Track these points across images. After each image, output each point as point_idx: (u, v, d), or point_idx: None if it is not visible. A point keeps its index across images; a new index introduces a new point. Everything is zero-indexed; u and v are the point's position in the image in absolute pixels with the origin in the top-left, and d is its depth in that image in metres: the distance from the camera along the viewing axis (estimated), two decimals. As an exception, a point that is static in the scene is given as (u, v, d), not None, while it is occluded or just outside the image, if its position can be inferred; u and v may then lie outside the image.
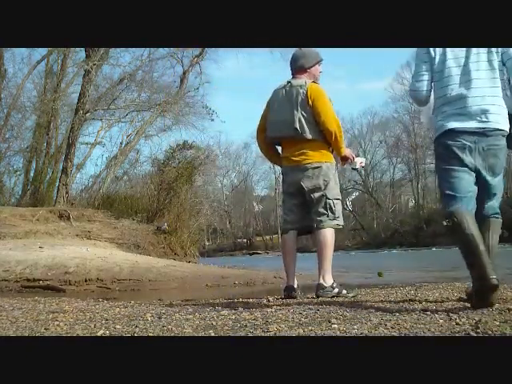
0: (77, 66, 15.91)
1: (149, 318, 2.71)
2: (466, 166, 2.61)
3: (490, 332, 1.85)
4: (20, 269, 6.55)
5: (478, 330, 1.87)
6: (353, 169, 3.85)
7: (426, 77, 2.76)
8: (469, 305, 2.59)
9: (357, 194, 53.34)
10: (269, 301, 3.34)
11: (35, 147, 16.84)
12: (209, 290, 5.91)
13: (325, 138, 3.53)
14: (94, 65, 13.84)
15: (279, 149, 3.81)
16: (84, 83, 14.16)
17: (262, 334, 2.06)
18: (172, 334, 2.19)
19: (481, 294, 2.42)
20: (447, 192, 2.66)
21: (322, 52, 3.77)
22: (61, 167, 14.92)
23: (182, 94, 16.49)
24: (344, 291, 3.50)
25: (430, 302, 2.83)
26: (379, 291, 3.87)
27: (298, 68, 3.66)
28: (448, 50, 2.68)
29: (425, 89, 2.78)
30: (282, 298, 3.49)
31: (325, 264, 3.46)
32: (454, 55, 2.68)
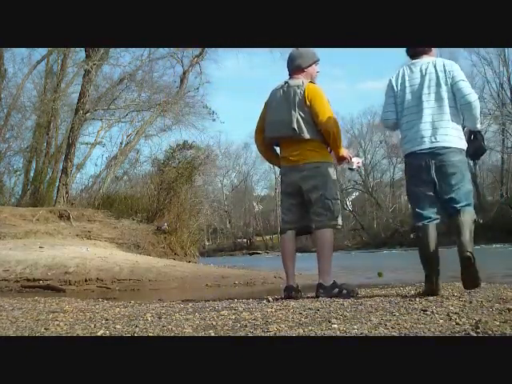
0: (77, 65, 15.93)
1: (149, 318, 2.71)
2: (424, 181, 3.16)
3: (490, 332, 1.84)
4: (20, 269, 6.55)
5: (478, 330, 1.87)
6: (349, 169, 3.84)
7: (391, 108, 3.32)
8: (470, 304, 2.61)
9: (357, 193, 53.32)
10: (269, 301, 3.34)
11: (35, 147, 16.85)
12: (209, 290, 5.91)
13: (323, 138, 3.53)
14: (94, 65, 13.85)
15: (278, 149, 3.82)
16: (84, 83, 14.17)
17: (262, 334, 2.06)
18: (172, 334, 2.19)
19: (425, 293, 3.20)
20: (414, 208, 3.30)
21: (322, 52, 3.78)
22: (61, 167, 14.93)
23: (181, 94, 16.50)
24: (344, 291, 3.50)
25: (430, 301, 2.83)
26: (379, 291, 3.87)
27: (295, 68, 3.65)
28: (407, 85, 3.23)
29: (391, 118, 3.35)
30: (282, 298, 3.49)
31: (325, 264, 3.46)
32: (411, 90, 3.22)
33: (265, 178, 57.81)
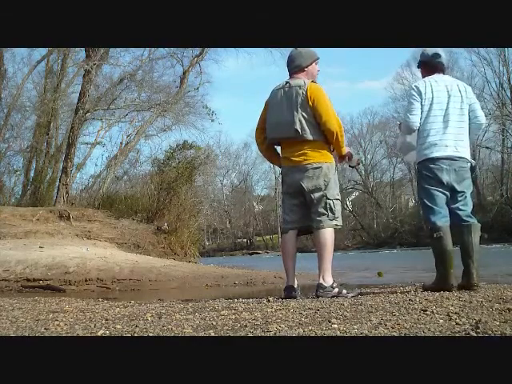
0: (77, 65, 15.93)
1: (149, 318, 2.71)
2: (443, 183, 3.49)
3: (490, 332, 1.84)
4: (20, 269, 6.56)
5: (478, 330, 1.87)
6: (350, 166, 3.89)
7: (418, 112, 3.56)
8: (470, 304, 2.61)
9: (357, 193, 53.32)
10: (269, 301, 3.34)
11: (35, 147, 16.85)
12: (209, 290, 5.90)
13: (325, 138, 3.54)
14: (94, 65, 13.84)
15: (278, 149, 3.82)
16: (84, 83, 14.16)
17: (262, 334, 2.06)
18: (172, 334, 2.19)
19: (438, 289, 3.35)
20: (432, 208, 3.51)
21: (322, 51, 3.78)
22: (61, 167, 14.92)
23: (181, 94, 16.49)
24: (344, 291, 3.50)
25: (430, 301, 2.83)
26: (379, 291, 3.87)
27: (295, 68, 3.64)
28: (434, 96, 3.53)
29: (417, 122, 3.57)
30: (282, 298, 3.49)
31: (325, 264, 3.46)
32: (438, 101, 3.54)
33: (265, 178, 57.85)
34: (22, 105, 16.98)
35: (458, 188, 3.51)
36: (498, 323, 2.00)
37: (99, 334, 2.28)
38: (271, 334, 2.06)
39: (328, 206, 3.50)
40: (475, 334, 1.83)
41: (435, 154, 3.50)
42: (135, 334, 2.21)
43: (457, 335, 1.84)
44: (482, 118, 3.62)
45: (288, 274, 3.61)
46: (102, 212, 11.98)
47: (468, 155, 3.58)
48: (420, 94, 3.55)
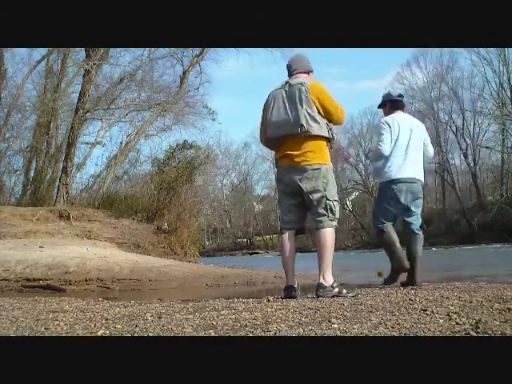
0: (77, 65, 15.92)
1: (149, 318, 2.71)
2: (399, 202, 4.32)
3: (490, 332, 1.84)
4: (20, 268, 6.56)
5: (478, 330, 1.87)
6: (366, 156, 4.61)
7: (388, 142, 4.33)
8: (470, 304, 2.61)
9: (357, 193, 53.31)
10: (269, 301, 3.34)
11: (35, 147, 16.84)
12: (209, 290, 5.90)
13: (326, 138, 3.62)
14: (94, 64, 13.84)
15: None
16: (84, 83, 14.16)
17: (262, 334, 2.06)
18: (172, 334, 2.19)
19: (397, 274, 4.36)
20: (380, 218, 4.40)
21: (321, 51, 3.80)
22: (61, 167, 14.91)
23: (181, 93, 16.48)
24: (344, 291, 3.51)
25: (430, 301, 2.83)
26: (379, 291, 3.87)
27: (301, 68, 3.73)
28: (400, 130, 4.33)
29: (387, 150, 4.33)
30: (282, 298, 3.49)
31: (325, 264, 3.48)
32: (403, 135, 4.33)
33: (265, 178, 57.83)
34: (22, 105, 16.97)
35: (412, 207, 4.37)
36: (498, 323, 2.00)
37: (99, 333, 2.28)
38: (271, 333, 2.06)
39: (328, 207, 3.53)
40: (475, 334, 1.83)
41: (397, 176, 4.30)
42: (135, 334, 2.21)
43: (457, 335, 1.84)
44: (432, 151, 4.64)
45: (287, 274, 3.63)
46: (102, 212, 11.98)
47: (422, 178, 4.45)
48: (389, 127, 4.34)
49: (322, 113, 3.54)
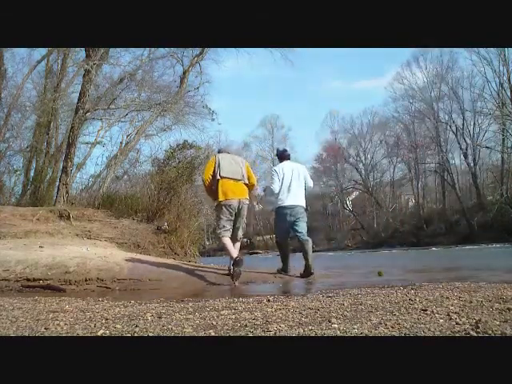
0: (77, 65, 15.91)
1: (149, 318, 2.71)
2: (287, 220, 6.34)
3: (490, 332, 1.84)
4: (20, 268, 6.55)
5: (478, 330, 1.87)
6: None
7: (277, 183, 6.43)
8: (470, 304, 2.61)
9: (357, 193, 53.33)
10: (269, 300, 3.34)
11: (35, 147, 16.84)
12: (209, 290, 5.90)
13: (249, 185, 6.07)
14: (94, 64, 13.83)
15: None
16: (84, 83, 14.15)
17: (262, 334, 2.06)
18: (172, 334, 2.19)
19: (284, 270, 6.42)
20: (278, 231, 6.70)
21: (320, 50, 3.79)
22: (61, 167, 14.90)
23: (181, 93, 16.47)
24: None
25: (430, 301, 2.83)
26: (379, 291, 3.87)
27: (238, 154, 6.89)
28: (285, 173, 6.46)
29: (277, 188, 6.41)
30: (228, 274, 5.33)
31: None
32: (287, 176, 6.43)
33: (265, 178, 57.68)
34: (22, 105, 16.97)
35: (296, 223, 6.33)
36: (498, 323, 2.00)
37: (99, 333, 2.28)
38: (271, 333, 2.06)
39: (245, 224, 6.19)
40: (475, 334, 1.83)
41: (284, 204, 6.39)
42: (135, 334, 2.21)
43: (457, 335, 1.84)
44: (311, 183, 6.68)
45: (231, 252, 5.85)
46: (102, 212, 11.97)
47: (304, 204, 6.48)
48: (277, 173, 6.47)
49: (248, 176, 6.10)
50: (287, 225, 6.37)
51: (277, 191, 6.41)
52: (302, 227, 6.36)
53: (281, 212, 6.42)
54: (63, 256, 7.06)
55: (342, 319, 2.32)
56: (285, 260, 6.44)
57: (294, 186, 6.41)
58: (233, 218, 5.71)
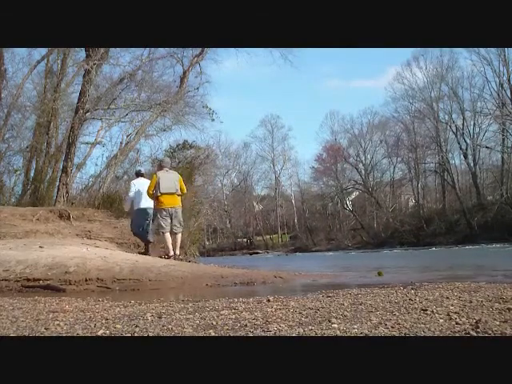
0: (77, 65, 15.90)
1: (149, 318, 2.71)
2: (143, 218, 8.77)
3: (490, 332, 1.84)
4: (20, 268, 6.55)
5: (478, 330, 1.87)
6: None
7: (133, 192, 8.72)
8: (470, 303, 2.61)
9: (357, 193, 53.33)
10: (269, 300, 3.34)
11: (35, 147, 16.82)
12: (209, 290, 5.90)
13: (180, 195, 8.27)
14: (94, 64, 13.82)
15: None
16: (84, 83, 14.14)
17: (262, 334, 2.06)
18: (172, 334, 2.19)
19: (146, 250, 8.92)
20: (135, 226, 9.12)
21: (321, 50, 3.78)
22: (61, 167, 14.89)
23: (181, 93, 16.45)
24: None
25: (430, 301, 2.82)
26: (379, 291, 3.87)
27: (172, 167, 9.09)
28: (138, 186, 8.74)
29: (132, 195, 8.75)
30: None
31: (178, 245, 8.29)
32: (139, 187, 8.67)
33: (265, 178, 57.86)
34: (22, 105, 16.95)
35: (148, 221, 8.51)
36: (497, 323, 2.00)
37: (99, 333, 2.28)
38: (271, 333, 2.06)
39: (180, 223, 8.16)
40: (475, 334, 1.83)
41: (139, 207, 8.53)
42: (135, 334, 2.21)
43: (457, 335, 1.84)
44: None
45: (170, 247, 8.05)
46: (102, 212, 11.97)
47: (152, 205, 8.23)
48: (134, 185, 8.69)
49: (181, 187, 8.20)
50: (143, 221, 8.70)
51: (132, 198, 8.89)
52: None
53: (137, 212, 8.80)
54: (63, 256, 7.05)
55: (341, 319, 2.32)
56: (145, 245, 8.98)
57: (144, 195, 8.34)
58: (169, 220, 8.03)
